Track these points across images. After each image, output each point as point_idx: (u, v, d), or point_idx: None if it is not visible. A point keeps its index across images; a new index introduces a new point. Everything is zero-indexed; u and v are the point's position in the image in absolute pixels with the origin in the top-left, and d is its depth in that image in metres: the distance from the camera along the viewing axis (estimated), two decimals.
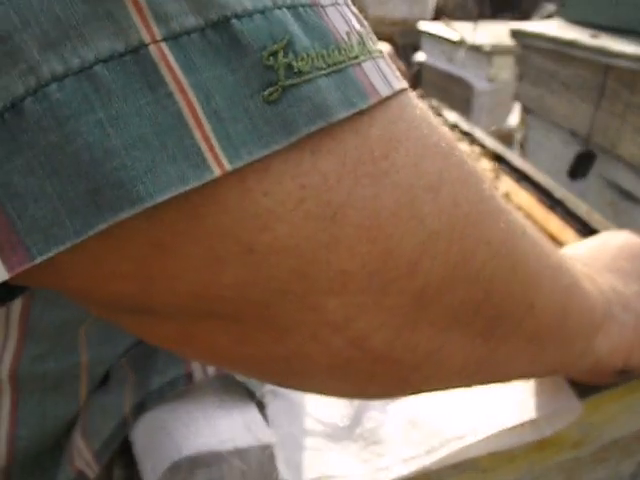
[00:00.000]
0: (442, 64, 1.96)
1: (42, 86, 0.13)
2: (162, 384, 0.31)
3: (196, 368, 0.32)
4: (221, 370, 0.32)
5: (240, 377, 0.32)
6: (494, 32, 1.81)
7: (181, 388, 0.31)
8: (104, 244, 0.14)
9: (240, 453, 0.29)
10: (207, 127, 0.14)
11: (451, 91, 1.87)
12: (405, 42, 2.36)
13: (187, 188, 0.14)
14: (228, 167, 0.14)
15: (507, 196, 0.58)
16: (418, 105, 0.18)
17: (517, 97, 1.37)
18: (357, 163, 0.16)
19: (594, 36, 1.06)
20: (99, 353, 0.33)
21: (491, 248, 0.19)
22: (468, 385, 0.25)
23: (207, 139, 0.14)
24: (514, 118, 1.49)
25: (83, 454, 0.32)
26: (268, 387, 0.35)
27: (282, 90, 0.14)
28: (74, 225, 0.13)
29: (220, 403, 0.32)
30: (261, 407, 0.32)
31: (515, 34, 1.30)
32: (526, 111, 1.34)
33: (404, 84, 0.18)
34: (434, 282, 0.18)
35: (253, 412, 0.31)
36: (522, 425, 0.32)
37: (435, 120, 0.19)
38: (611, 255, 0.32)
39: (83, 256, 0.15)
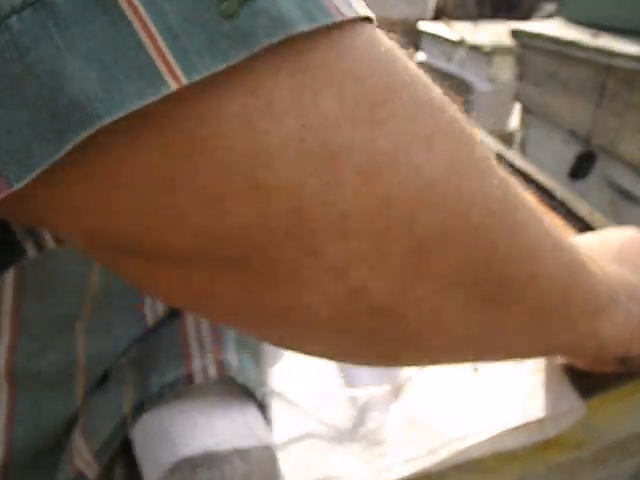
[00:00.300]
0: (442, 64, 1.97)
1: (3, 18, 0.13)
2: (162, 385, 0.31)
3: (197, 369, 0.32)
4: (222, 372, 0.31)
5: (241, 378, 0.32)
6: (494, 32, 1.82)
7: (181, 388, 0.31)
8: (81, 172, 0.15)
9: (241, 454, 0.29)
10: (162, 44, 0.14)
11: (451, 91, 1.87)
12: (405, 42, 2.36)
13: (144, 103, 0.14)
14: (184, 80, 0.14)
15: None
16: (404, 54, 0.19)
17: (517, 97, 1.37)
18: (355, 107, 0.16)
19: (594, 36, 1.06)
20: (97, 351, 0.33)
21: (488, 205, 0.19)
22: (472, 357, 0.25)
23: (162, 55, 0.14)
24: (515, 119, 1.49)
25: (83, 454, 0.32)
26: (269, 388, 0.35)
27: (238, 4, 0.14)
28: (42, 151, 0.14)
29: (220, 403, 0.31)
30: (262, 408, 0.32)
31: (515, 34, 1.30)
32: (526, 111, 1.34)
33: (370, 13, 0.18)
34: (433, 234, 0.18)
35: (254, 412, 0.31)
36: (525, 426, 0.32)
37: (426, 77, 0.19)
38: (615, 248, 0.32)
39: (67, 184, 0.15)
